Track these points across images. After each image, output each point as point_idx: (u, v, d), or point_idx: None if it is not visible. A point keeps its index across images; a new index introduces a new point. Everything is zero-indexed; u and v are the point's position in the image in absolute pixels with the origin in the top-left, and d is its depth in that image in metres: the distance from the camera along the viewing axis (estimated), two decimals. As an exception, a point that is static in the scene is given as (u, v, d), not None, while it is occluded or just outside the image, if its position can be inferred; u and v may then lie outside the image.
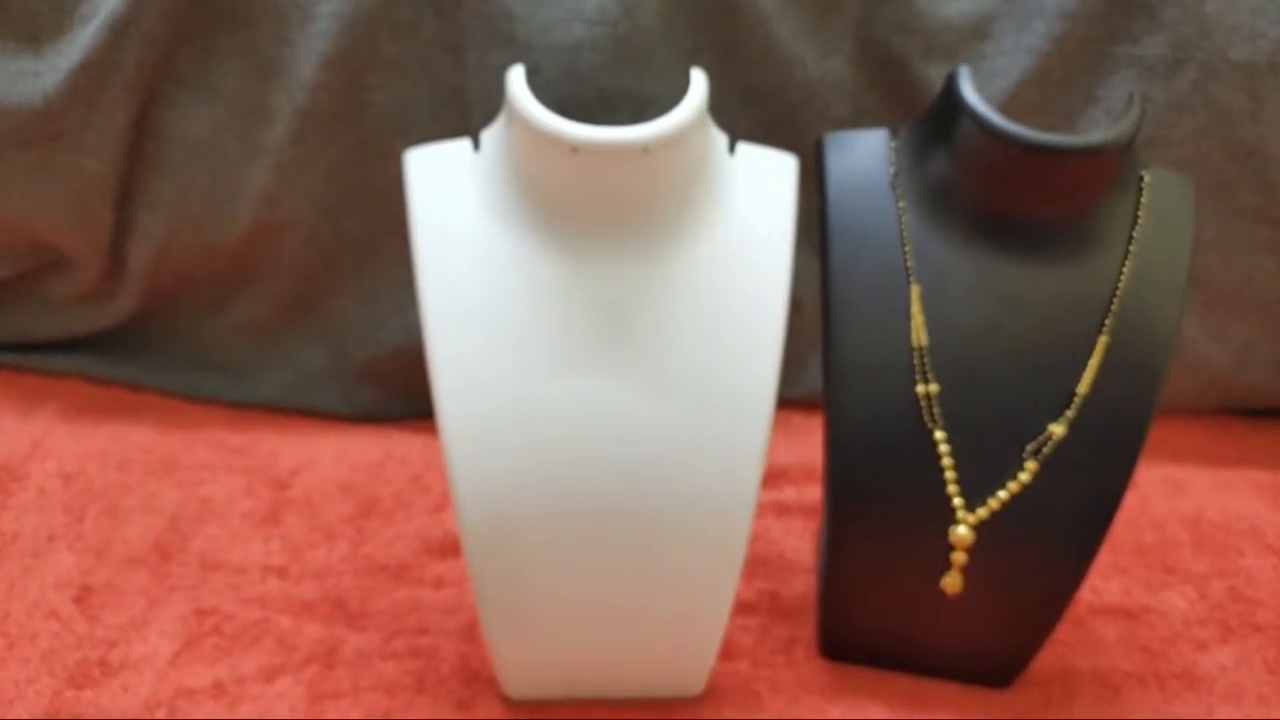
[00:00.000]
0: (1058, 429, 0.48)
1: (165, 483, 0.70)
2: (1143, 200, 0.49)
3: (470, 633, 0.58)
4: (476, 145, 0.48)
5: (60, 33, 0.66)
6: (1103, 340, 0.48)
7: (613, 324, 0.46)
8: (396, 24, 0.64)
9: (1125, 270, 0.48)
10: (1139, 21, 0.62)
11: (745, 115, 0.65)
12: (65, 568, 0.62)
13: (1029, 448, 0.48)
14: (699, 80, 0.46)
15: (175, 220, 0.71)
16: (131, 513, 0.67)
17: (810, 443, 0.73)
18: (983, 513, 0.49)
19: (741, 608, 0.60)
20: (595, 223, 0.45)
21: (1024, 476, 0.49)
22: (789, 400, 0.75)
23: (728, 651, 0.57)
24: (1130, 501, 0.64)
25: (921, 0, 0.63)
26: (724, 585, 0.49)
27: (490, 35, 0.64)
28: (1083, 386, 0.48)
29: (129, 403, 0.77)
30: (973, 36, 0.63)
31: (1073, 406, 0.48)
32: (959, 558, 0.50)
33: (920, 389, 0.49)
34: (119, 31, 0.64)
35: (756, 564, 0.64)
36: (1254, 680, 0.58)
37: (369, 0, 0.63)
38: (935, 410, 0.49)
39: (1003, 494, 0.49)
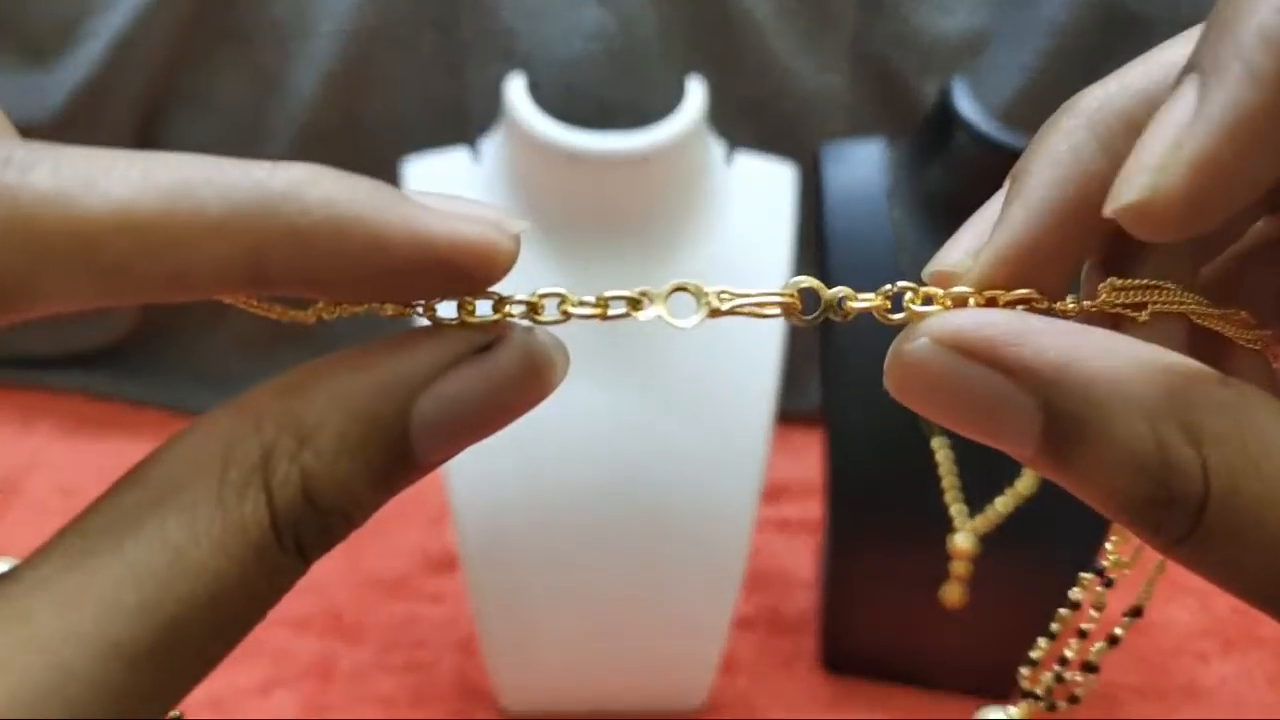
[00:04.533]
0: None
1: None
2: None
3: (467, 647, 0.58)
4: (475, 153, 0.49)
5: (66, 50, 0.66)
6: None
7: (611, 334, 0.46)
8: (396, 40, 0.65)
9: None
10: (1132, 36, 0.63)
11: (743, 128, 0.65)
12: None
13: None
14: (696, 88, 0.46)
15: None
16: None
17: (810, 459, 0.73)
18: (980, 522, 0.49)
19: (742, 622, 0.60)
20: (593, 231, 0.46)
21: (1021, 486, 0.48)
22: (789, 415, 0.75)
23: (728, 665, 0.57)
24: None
25: (917, 16, 0.63)
26: (724, 598, 0.49)
27: (489, 51, 0.64)
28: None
29: (126, 418, 0.77)
30: (967, 51, 0.64)
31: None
32: (958, 567, 0.50)
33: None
34: (123, 49, 0.65)
35: (757, 579, 0.64)
36: (1255, 693, 0.57)
37: (369, 17, 0.64)
38: (933, 419, 0.49)
39: (1001, 503, 0.49)
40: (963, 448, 0.49)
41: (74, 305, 0.15)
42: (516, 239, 0.17)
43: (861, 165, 0.51)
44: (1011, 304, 0.18)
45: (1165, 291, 0.18)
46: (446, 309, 0.18)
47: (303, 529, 0.16)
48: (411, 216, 0.16)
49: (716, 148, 0.49)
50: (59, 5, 0.66)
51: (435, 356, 0.17)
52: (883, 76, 0.66)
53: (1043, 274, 0.18)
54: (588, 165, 0.44)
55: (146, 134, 0.69)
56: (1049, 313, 0.18)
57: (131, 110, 0.67)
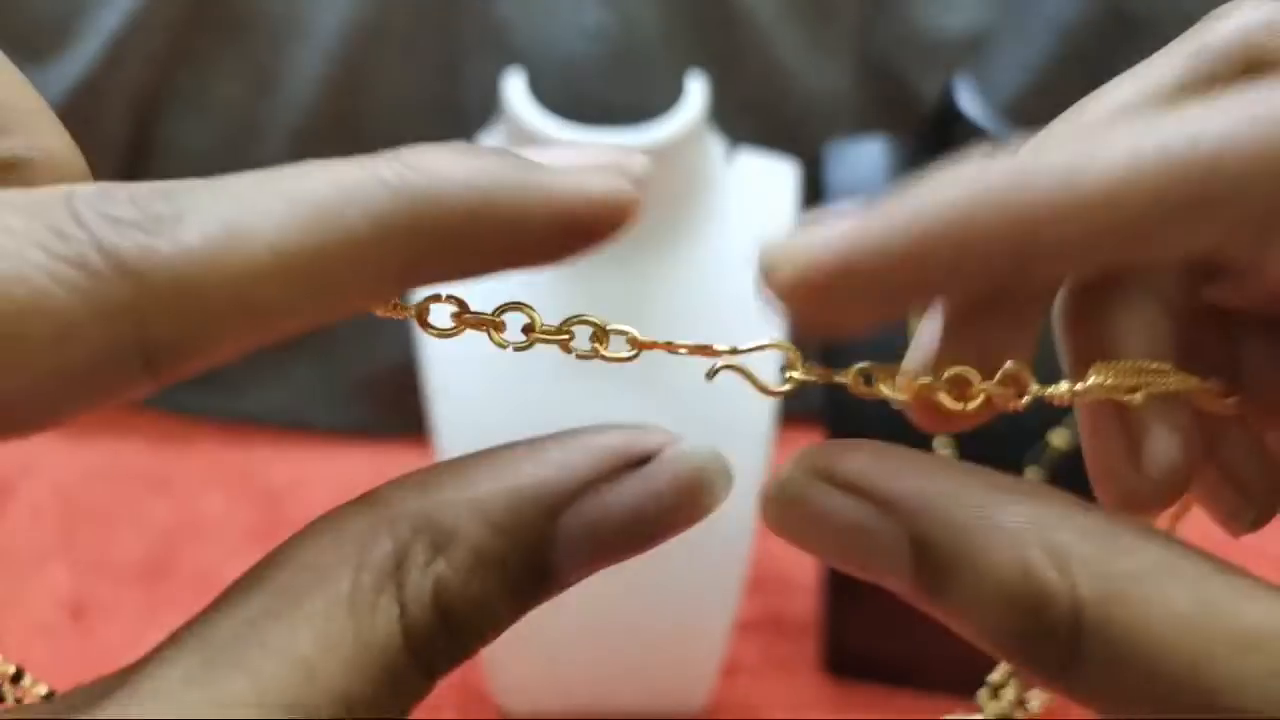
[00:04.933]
0: (1057, 436, 0.48)
1: (159, 499, 0.69)
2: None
3: (467, 649, 0.57)
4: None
5: (62, 49, 0.66)
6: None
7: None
8: (394, 38, 0.65)
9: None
10: (1137, 35, 0.62)
11: (746, 127, 0.65)
12: (60, 584, 0.61)
13: (1028, 455, 0.48)
14: (697, 86, 0.46)
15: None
16: (125, 529, 0.66)
17: (810, 458, 0.72)
18: (985, 524, 0.49)
19: (743, 625, 0.60)
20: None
21: (1025, 489, 0.48)
22: (790, 416, 0.75)
23: (729, 668, 0.56)
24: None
25: (920, 13, 0.63)
26: (725, 600, 0.49)
27: (489, 49, 0.64)
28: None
29: (122, 419, 0.76)
30: (971, 49, 0.63)
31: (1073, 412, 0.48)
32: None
33: (920, 398, 0.48)
34: (119, 47, 0.64)
35: (759, 582, 0.63)
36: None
37: (368, 15, 0.63)
38: (936, 420, 0.48)
39: (1005, 504, 0.48)
40: (965, 449, 0.48)
41: (235, 354, 0.14)
42: (640, 182, 0.16)
43: (864, 164, 0.51)
44: (986, 382, 0.18)
45: (1146, 372, 0.18)
46: (440, 316, 0.17)
47: (435, 647, 0.14)
48: (545, 183, 0.15)
49: (717, 146, 0.48)
50: (54, 3, 0.65)
51: (584, 470, 0.16)
52: (886, 75, 0.65)
53: (999, 349, 0.18)
54: (587, 164, 0.43)
55: (142, 133, 0.68)
56: (1034, 400, 0.18)
57: (127, 109, 0.66)
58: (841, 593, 0.54)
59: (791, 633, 0.60)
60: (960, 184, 0.16)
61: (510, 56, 0.63)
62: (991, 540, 0.15)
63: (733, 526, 0.46)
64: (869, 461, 0.16)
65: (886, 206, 0.16)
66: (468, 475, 0.15)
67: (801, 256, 0.15)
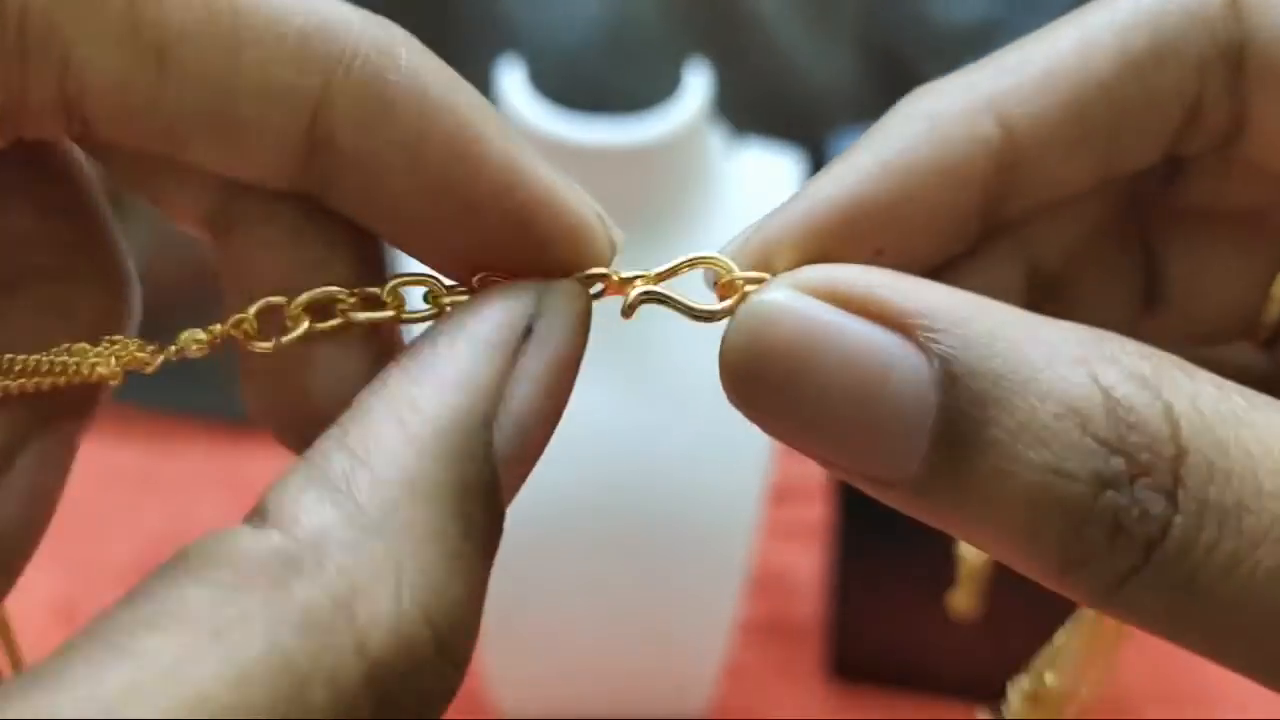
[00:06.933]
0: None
1: (150, 500, 0.68)
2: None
3: (464, 652, 0.57)
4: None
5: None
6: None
7: (609, 332, 0.45)
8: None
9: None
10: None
11: (749, 118, 0.65)
12: (50, 586, 0.60)
13: None
14: (697, 77, 0.45)
15: (160, 233, 0.71)
16: (116, 530, 0.66)
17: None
18: (992, 525, 0.48)
19: (746, 627, 0.59)
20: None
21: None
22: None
23: (731, 670, 0.56)
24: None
25: (926, 3, 0.63)
26: (726, 602, 0.48)
27: (487, 41, 0.64)
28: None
29: (113, 419, 0.76)
30: (976, 41, 0.63)
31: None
32: (966, 574, 0.49)
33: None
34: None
35: (762, 584, 0.63)
36: (1269, 700, 0.56)
37: (363, 4, 0.63)
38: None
39: (1013, 505, 0.48)
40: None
41: None
42: (613, 244, 0.15)
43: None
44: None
45: None
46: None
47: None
48: (521, 156, 0.15)
49: (718, 138, 0.48)
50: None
51: (495, 365, 0.14)
52: (891, 64, 0.65)
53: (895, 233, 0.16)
54: (582, 157, 0.43)
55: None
56: None
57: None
58: (845, 595, 0.54)
59: (794, 635, 0.60)
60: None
61: (507, 45, 0.63)
62: (1055, 354, 0.11)
63: (733, 527, 0.46)
64: (884, 278, 0.12)
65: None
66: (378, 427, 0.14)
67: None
